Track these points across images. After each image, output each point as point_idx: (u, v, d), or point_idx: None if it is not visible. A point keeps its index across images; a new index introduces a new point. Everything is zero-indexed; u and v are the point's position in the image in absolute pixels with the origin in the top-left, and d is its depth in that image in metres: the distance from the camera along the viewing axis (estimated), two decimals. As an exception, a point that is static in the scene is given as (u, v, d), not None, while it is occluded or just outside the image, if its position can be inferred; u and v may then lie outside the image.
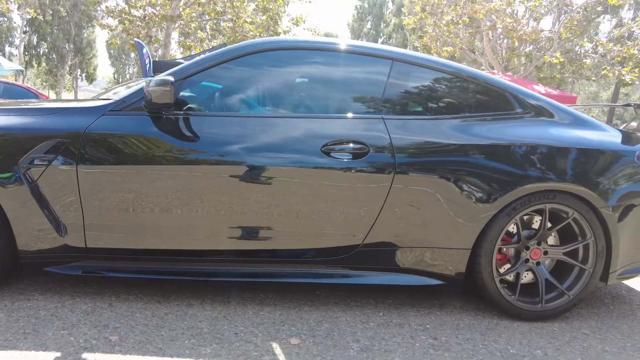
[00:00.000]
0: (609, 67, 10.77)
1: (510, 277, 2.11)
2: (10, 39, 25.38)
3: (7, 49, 25.44)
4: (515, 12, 11.76)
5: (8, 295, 2.00)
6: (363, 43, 2.20)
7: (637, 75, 10.23)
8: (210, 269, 2.05)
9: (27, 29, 24.17)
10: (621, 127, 2.49)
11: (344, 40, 2.23)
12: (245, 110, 2.08)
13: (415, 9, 12.98)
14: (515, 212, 1.97)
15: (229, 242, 1.95)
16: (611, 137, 2.15)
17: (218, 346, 1.70)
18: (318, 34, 15.02)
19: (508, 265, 2.11)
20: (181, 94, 2.00)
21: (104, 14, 11.06)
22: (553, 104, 2.20)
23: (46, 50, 27.17)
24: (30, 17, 20.96)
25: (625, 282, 2.75)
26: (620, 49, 10.46)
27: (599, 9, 11.81)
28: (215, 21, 12.99)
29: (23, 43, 23.98)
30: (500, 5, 10.43)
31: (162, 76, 1.82)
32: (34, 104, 2.29)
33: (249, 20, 12.19)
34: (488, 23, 11.07)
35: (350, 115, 2.01)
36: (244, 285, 2.23)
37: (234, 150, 1.89)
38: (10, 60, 21.45)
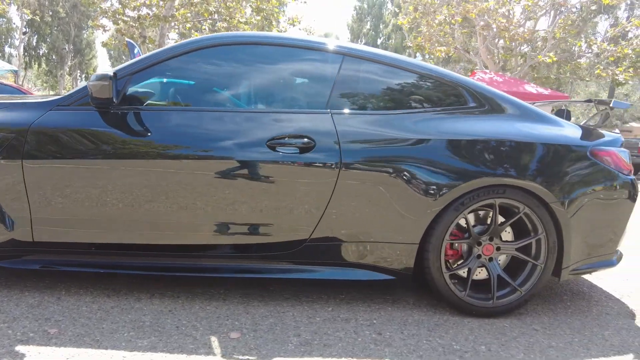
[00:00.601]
0: (602, 67, 10.72)
1: (463, 273, 2.10)
2: (9, 40, 25.55)
3: (7, 49, 25.65)
4: (510, 12, 11.73)
5: None
6: (314, 38, 2.20)
7: (630, 75, 10.18)
8: (160, 264, 2.04)
9: (27, 29, 24.30)
10: (582, 123, 2.47)
11: (295, 35, 2.22)
12: (194, 104, 2.08)
13: (409, 9, 12.97)
14: (463, 207, 1.96)
15: (174, 236, 1.94)
16: (565, 132, 2.14)
17: (156, 339, 1.70)
18: (313, 34, 15.03)
19: (461, 261, 2.10)
20: (131, 89, 1.99)
21: (99, 15, 11.10)
22: (508, 99, 2.19)
23: (46, 51, 27.30)
24: (29, 18, 21.10)
25: (589, 279, 2.73)
26: (614, 48, 10.41)
27: (593, 8, 11.78)
28: (210, 21, 13.01)
29: (22, 44, 24.12)
30: (493, 5, 10.41)
31: (103, 71, 1.82)
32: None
33: (243, 20, 12.21)
34: (482, 23, 11.04)
35: (297, 109, 2.00)
36: (198, 281, 2.23)
37: (177, 144, 1.89)
38: (9, 62, 21.60)
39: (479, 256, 2.07)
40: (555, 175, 2.01)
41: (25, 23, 23.50)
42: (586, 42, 11.07)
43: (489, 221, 2.09)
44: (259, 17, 12.39)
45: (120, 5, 10.67)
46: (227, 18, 11.62)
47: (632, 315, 2.22)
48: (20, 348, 1.58)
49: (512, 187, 1.97)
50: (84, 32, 27.76)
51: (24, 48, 24.86)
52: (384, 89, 2.12)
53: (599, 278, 2.77)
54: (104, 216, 1.92)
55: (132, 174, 1.89)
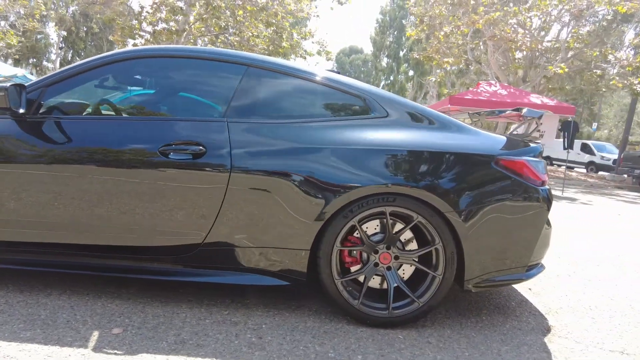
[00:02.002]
0: (617, 78, 10.29)
1: (362, 280, 2.09)
2: (47, 55, 27.21)
3: (45, 63, 27.29)
4: (522, 22, 11.49)
5: None
6: (221, 50, 2.28)
7: (647, 85, 9.73)
8: (73, 262, 2.14)
9: (63, 45, 25.85)
10: (507, 133, 2.43)
11: (200, 48, 2.31)
12: (101, 113, 2.20)
13: (417, 21, 12.94)
14: (352, 214, 1.97)
15: (75, 236, 2.05)
16: (472, 141, 2.11)
17: (40, 331, 1.79)
18: (326, 47, 15.22)
19: (357, 268, 2.10)
20: (47, 100, 2.11)
21: (117, 30, 11.69)
22: (415, 108, 2.19)
23: (81, 64, 28.81)
24: (65, 33, 22.45)
25: (525, 293, 2.65)
26: (631, 58, 9.98)
27: (609, 17, 11.36)
28: (224, 35, 13.43)
29: (59, 58, 25.66)
30: (499, 16, 10.23)
31: (3, 84, 1.96)
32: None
33: (255, 34, 12.53)
34: (489, 34, 10.85)
35: (192, 117, 2.08)
36: (116, 280, 2.32)
37: (78, 150, 2.00)
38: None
39: (376, 264, 2.06)
40: (451, 184, 1.99)
41: (61, 39, 25.02)
42: (600, 52, 10.66)
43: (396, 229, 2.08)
44: (270, 31, 12.69)
45: (136, 21, 11.19)
46: (237, 32, 11.97)
47: (545, 332, 2.15)
48: None
49: (403, 196, 1.97)
50: (115, 46, 29.20)
51: (60, 62, 26.40)
52: (284, 98, 2.17)
53: (535, 293, 2.69)
54: (22, 216, 2.04)
55: (42, 178, 2.01)
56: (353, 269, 2.10)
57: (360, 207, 1.97)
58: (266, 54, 13.40)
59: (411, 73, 32.49)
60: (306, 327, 2.00)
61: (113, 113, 2.35)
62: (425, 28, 12.09)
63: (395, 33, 32.77)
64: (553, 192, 9.44)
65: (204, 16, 11.26)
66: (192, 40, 13.51)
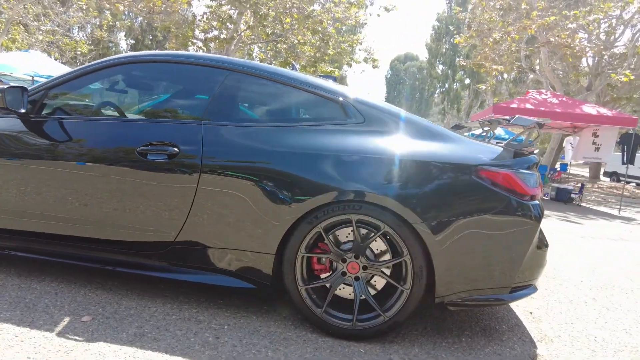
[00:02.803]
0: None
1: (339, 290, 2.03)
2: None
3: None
4: (584, 27, 10.68)
5: None
6: (206, 55, 2.34)
7: None
8: (64, 252, 2.29)
9: (130, 52, 27.86)
10: (506, 142, 2.27)
11: (187, 53, 2.38)
12: (94, 114, 2.34)
13: (464, 28, 12.47)
14: (317, 220, 1.94)
15: (61, 227, 2.19)
16: (450, 150, 2.00)
17: (19, 313, 1.93)
18: (372, 55, 15.14)
19: (325, 275, 2.05)
20: (48, 101, 2.29)
21: (172, 38, 12.43)
22: (394, 115, 2.11)
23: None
24: (133, 42, 24.24)
25: (523, 317, 2.45)
26: None
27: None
28: (273, 42, 13.81)
29: (127, 64, 27.62)
30: (554, 20, 9.55)
31: (2, 87, 2.15)
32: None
33: (302, 41, 12.76)
34: (542, 39, 10.17)
35: (170, 120, 2.16)
36: (102, 272, 2.45)
37: (65, 149, 2.14)
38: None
39: (343, 273, 2.01)
40: (421, 194, 1.90)
41: (129, 47, 27.02)
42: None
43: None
44: (316, 38, 12.86)
45: (189, 30, 11.83)
46: (282, 39, 12.25)
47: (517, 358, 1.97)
48: None
49: (368, 204, 1.91)
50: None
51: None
52: (261, 102, 2.19)
53: (536, 318, 2.48)
54: (20, 208, 2.23)
55: (35, 173, 2.18)
56: (323, 276, 2.06)
57: (326, 214, 1.93)
58: (312, 61, 13.60)
59: (467, 81, 31.38)
60: (267, 332, 1.99)
61: (117, 114, 2.51)
62: (474, 34, 11.63)
63: (452, 40, 31.87)
64: (609, 211, 8.66)
65: (251, 24, 11.66)
66: (242, 49, 14.02)
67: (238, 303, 2.25)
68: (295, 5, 11.35)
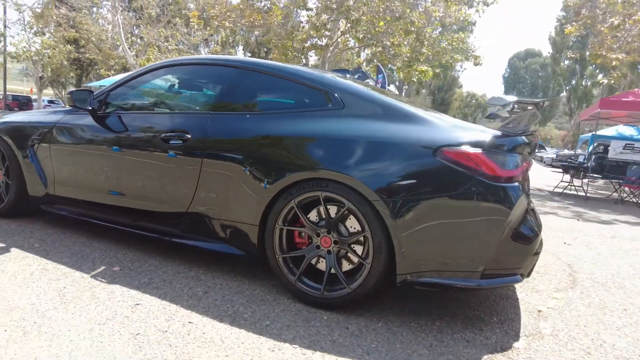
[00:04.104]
0: None
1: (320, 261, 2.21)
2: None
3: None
4: None
5: (18, 222, 3.31)
6: (218, 56, 2.70)
7: None
8: (120, 220, 2.88)
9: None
10: (502, 125, 2.18)
11: (209, 55, 2.78)
12: (140, 109, 2.88)
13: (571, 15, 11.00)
14: (291, 196, 2.15)
15: (110, 199, 2.77)
16: (415, 131, 2.03)
17: (75, 260, 2.52)
18: (474, 52, 14.37)
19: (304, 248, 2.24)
20: (109, 100, 2.91)
21: (274, 49, 13.53)
22: (373, 101, 2.22)
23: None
24: (250, 54, 26.73)
25: (526, 313, 2.31)
26: None
27: None
28: (368, 47, 14.05)
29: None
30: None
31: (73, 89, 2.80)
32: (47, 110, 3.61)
33: (395, 42, 12.77)
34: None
35: (187, 111, 2.58)
36: (142, 236, 2.99)
37: (116, 137, 2.70)
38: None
39: (318, 247, 2.18)
40: (380, 173, 1.98)
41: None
42: None
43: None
44: (410, 39, 12.74)
45: (287, 40, 12.73)
46: (375, 43, 12.40)
47: (498, 350, 1.90)
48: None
49: (333, 182, 2.05)
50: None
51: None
52: (257, 94, 2.48)
53: (542, 316, 2.31)
54: (89, 182, 2.88)
55: (103, 157, 2.79)
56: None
57: (298, 191, 2.14)
58: (407, 62, 13.48)
59: (600, 77, 27.41)
60: (250, 294, 2.26)
61: (168, 110, 3.05)
62: (588, 22, 10.22)
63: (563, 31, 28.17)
64: None
65: (341, 30, 12.07)
66: (339, 54, 14.52)
67: (240, 270, 2.57)
68: (388, 7, 11.45)
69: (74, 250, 2.69)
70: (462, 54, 14.20)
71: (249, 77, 2.51)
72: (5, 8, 19.96)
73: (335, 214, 2.13)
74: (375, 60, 14.40)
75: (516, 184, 1.96)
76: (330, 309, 2.14)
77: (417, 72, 13.20)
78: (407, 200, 1.94)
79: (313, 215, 2.19)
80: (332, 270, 2.14)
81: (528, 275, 2.18)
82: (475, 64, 14.12)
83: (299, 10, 13.49)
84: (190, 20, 14.76)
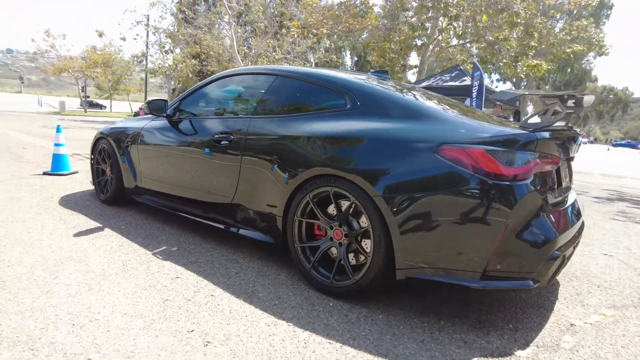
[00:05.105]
0: None
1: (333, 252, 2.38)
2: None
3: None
4: None
5: (117, 208, 4.05)
6: (262, 66, 3.00)
7: None
8: (186, 209, 3.39)
9: (355, 67, 31.36)
10: (524, 120, 2.07)
11: (257, 66, 3.08)
12: (202, 115, 3.35)
13: None
14: (307, 190, 2.34)
15: (176, 190, 3.27)
16: (421, 129, 2.06)
17: (146, 241, 3.07)
18: (599, 41, 12.63)
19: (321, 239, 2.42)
20: (183, 107, 3.44)
21: (372, 51, 13.67)
22: (389, 101, 2.29)
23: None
24: (356, 59, 27.32)
25: (553, 324, 2.16)
26: None
27: None
28: (470, 43, 13.35)
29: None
30: None
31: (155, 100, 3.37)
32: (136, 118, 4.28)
33: (500, 37, 11.95)
34: None
35: (234, 116, 2.93)
36: (203, 224, 3.45)
37: (184, 138, 3.20)
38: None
39: (331, 239, 2.34)
40: (381, 170, 2.06)
41: (353, 62, 30.52)
42: None
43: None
44: (517, 32, 11.79)
45: (384, 42, 12.78)
46: (476, 38, 11.73)
47: (496, 356, 1.85)
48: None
49: (340, 178, 2.19)
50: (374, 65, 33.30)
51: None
52: (289, 97, 2.71)
53: (571, 330, 2.13)
54: (163, 176, 3.46)
55: (174, 155, 3.33)
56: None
57: (312, 186, 2.32)
58: (513, 55, 12.47)
59: None
60: (274, 278, 2.51)
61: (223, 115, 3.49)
62: None
63: None
64: None
65: (438, 28, 11.66)
66: (440, 53, 14.08)
67: (273, 258, 2.84)
68: (487, 1, 10.77)
69: (148, 233, 3.26)
70: (583, 44, 12.59)
71: (287, 84, 2.77)
72: (148, 32, 23.72)
73: (346, 208, 2.26)
74: (475, 57, 13.59)
75: (524, 182, 1.87)
76: (337, 297, 2.28)
77: (525, 67, 12.12)
78: (406, 196, 1.99)
79: (331, 209, 2.36)
80: (343, 262, 2.29)
81: (548, 284, 2.04)
82: (600, 54, 12.40)
83: (396, 12, 13.43)
84: (291, 30, 15.75)
